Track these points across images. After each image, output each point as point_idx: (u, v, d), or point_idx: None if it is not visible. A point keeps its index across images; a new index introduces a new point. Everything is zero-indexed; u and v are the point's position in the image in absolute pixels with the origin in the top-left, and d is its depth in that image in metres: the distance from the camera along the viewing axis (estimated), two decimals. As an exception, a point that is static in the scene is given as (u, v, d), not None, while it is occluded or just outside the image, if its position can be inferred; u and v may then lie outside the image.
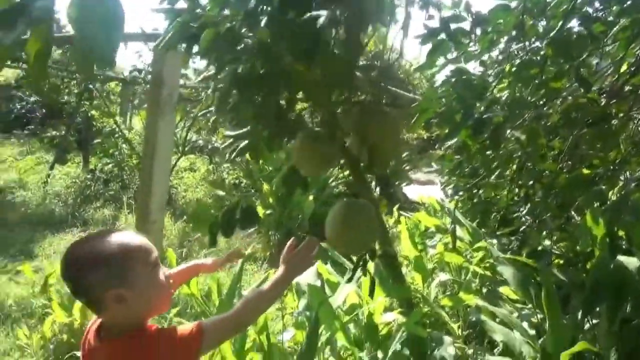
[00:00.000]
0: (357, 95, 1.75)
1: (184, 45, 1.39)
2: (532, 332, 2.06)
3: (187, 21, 1.30)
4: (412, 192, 6.29)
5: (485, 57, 2.26)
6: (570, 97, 2.04)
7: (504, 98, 1.98)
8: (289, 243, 1.40)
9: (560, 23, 1.73)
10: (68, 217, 6.14)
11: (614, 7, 1.91)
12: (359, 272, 2.40)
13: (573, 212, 2.44)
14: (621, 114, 2.05)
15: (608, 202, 2.30)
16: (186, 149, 7.54)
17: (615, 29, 1.82)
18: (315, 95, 1.45)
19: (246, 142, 1.56)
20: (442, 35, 1.67)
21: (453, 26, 1.61)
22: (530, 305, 2.25)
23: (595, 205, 2.20)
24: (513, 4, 1.91)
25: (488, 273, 2.70)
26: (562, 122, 2.05)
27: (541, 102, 2.06)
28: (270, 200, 5.53)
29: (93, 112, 8.16)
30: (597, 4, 2.00)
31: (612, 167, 2.17)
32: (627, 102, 2.05)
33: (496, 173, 2.53)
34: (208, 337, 1.16)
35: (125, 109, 9.76)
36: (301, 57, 1.22)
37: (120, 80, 7.19)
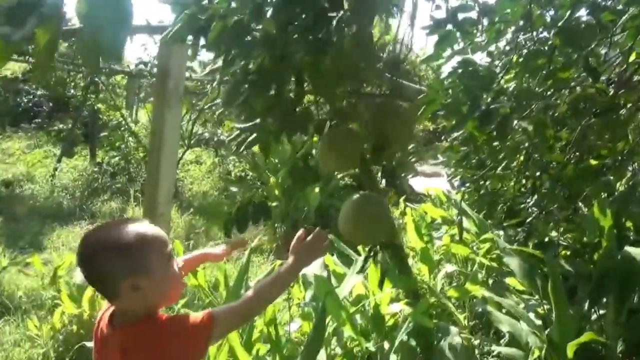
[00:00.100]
0: (363, 87, 1.76)
1: (190, 37, 1.39)
2: (539, 322, 2.06)
3: (194, 14, 1.30)
4: (418, 184, 6.28)
5: (492, 48, 2.24)
6: (578, 88, 2.03)
7: (511, 89, 1.97)
8: (298, 234, 1.41)
9: (568, 12, 1.71)
10: (76, 209, 6.19)
11: (623, -4, 1.89)
12: (361, 263, 2.42)
13: (580, 203, 2.43)
14: (629, 104, 2.03)
15: (616, 193, 2.29)
16: (192, 141, 7.55)
17: (624, 17, 1.80)
18: (324, 88, 1.46)
19: (255, 135, 1.57)
20: (449, 26, 1.66)
21: (461, 16, 1.60)
22: (536, 296, 2.25)
23: (603, 196, 2.20)
24: (520, -6, 1.89)
25: (494, 264, 2.70)
26: (570, 113, 2.04)
27: (549, 93, 2.05)
28: (276, 192, 5.54)
29: (99, 105, 8.19)
30: (605, -7, 1.99)
31: (620, 158, 2.16)
32: (636, 92, 2.04)
33: (503, 164, 2.52)
34: (218, 326, 1.18)
35: (131, 102, 9.77)
36: (312, 50, 1.22)
37: (126, 73, 7.19)
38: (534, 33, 1.95)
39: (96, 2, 0.84)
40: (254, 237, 5.09)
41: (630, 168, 2.29)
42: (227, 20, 1.26)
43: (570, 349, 1.74)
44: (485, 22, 1.82)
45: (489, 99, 1.66)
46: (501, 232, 2.82)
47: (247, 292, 1.29)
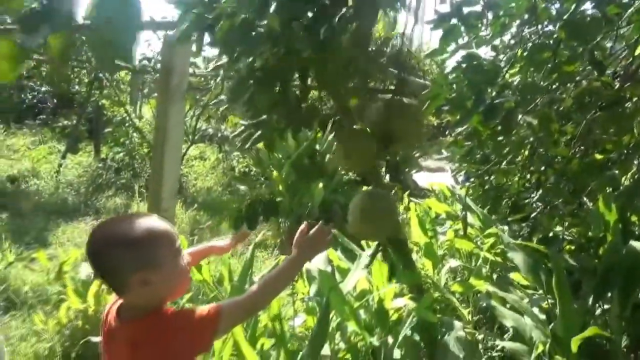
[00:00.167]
0: (368, 82, 1.76)
1: (195, 35, 1.40)
2: (543, 317, 2.06)
3: (201, 13, 1.31)
4: (422, 179, 6.27)
5: (497, 42, 2.23)
6: (584, 82, 2.02)
7: (515, 83, 1.96)
8: (301, 227, 1.42)
9: (573, 5, 1.70)
10: (81, 205, 6.22)
11: (629, -11, 1.87)
12: (368, 259, 2.42)
13: (585, 198, 2.42)
14: (635, 98, 2.02)
15: (621, 187, 2.28)
16: (196, 137, 7.56)
17: (630, 10, 1.78)
18: (329, 84, 1.47)
19: (260, 132, 1.58)
20: (454, 20, 1.65)
21: (466, 10, 1.59)
22: (540, 291, 2.24)
23: (608, 190, 2.18)
24: (525, -13, 1.88)
25: (498, 259, 2.69)
26: (575, 107, 2.03)
27: (554, 87, 2.04)
28: (280, 187, 5.54)
29: (103, 101, 8.20)
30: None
31: (625, 152, 2.15)
32: (642, 85, 2.02)
33: (508, 159, 2.51)
34: (225, 319, 1.19)
35: (135, 98, 9.78)
36: (315, 46, 1.23)
37: (129, 69, 7.20)
38: (539, 26, 1.94)
39: (106, 5, 0.85)
40: (258, 232, 5.10)
41: (635, 162, 2.28)
42: (234, 19, 1.27)
43: (575, 343, 1.74)
44: (490, 15, 1.81)
45: (494, 94, 1.66)
46: (505, 227, 2.81)
47: (252, 287, 1.30)
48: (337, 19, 1.28)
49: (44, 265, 3.81)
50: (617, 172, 2.18)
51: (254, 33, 1.30)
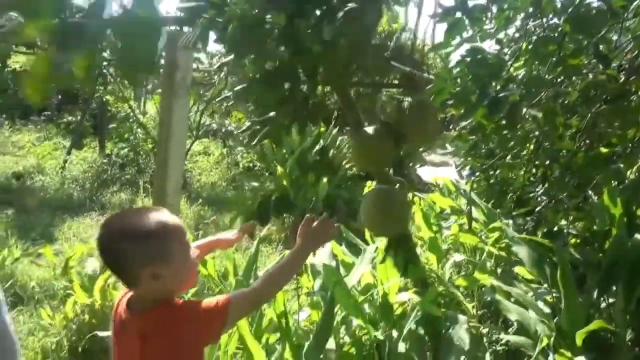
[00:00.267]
0: (369, 77, 1.76)
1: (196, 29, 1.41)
2: (548, 311, 2.06)
3: (213, 17, 1.32)
4: (426, 173, 6.26)
5: (501, 35, 2.22)
6: (590, 75, 2.01)
7: (520, 76, 1.95)
8: (305, 218, 1.43)
9: (578, -2, 1.69)
10: (86, 201, 6.25)
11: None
12: (372, 253, 2.43)
13: (590, 191, 2.41)
14: (641, 91, 2.01)
15: (626, 181, 2.27)
16: (200, 132, 7.58)
17: (635, 3, 1.77)
18: (333, 78, 1.47)
19: (267, 128, 1.59)
20: (459, 14, 1.65)
21: (470, 3, 1.59)
22: (545, 285, 2.24)
23: (613, 184, 2.18)
24: (530, -20, 1.87)
25: (503, 253, 2.69)
26: (580, 100, 2.02)
27: (559, 80, 2.03)
28: (284, 182, 5.54)
29: (108, 97, 8.22)
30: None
31: (630, 145, 2.14)
32: (647, 78, 2.01)
33: (512, 153, 2.50)
34: (233, 310, 1.20)
35: (139, 94, 9.80)
36: (323, 42, 1.24)
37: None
38: (544, 19, 1.93)
39: (129, 21, 0.88)
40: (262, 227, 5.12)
41: (641, 155, 2.27)
42: (244, 20, 1.28)
43: (579, 337, 1.74)
44: (494, 9, 1.81)
45: (498, 87, 1.65)
46: (510, 222, 2.81)
47: (259, 278, 1.32)
48: (342, 14, 1.28)
49: (50, 260, 3.84)
50: (622, 165, 2.17)
51: (262, 32, 1.31)
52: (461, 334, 2.00)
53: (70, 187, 6.74)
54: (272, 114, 1.55)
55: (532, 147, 2.51)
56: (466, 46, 1.83)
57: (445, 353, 1.96)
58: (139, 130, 7.79)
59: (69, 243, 4.64)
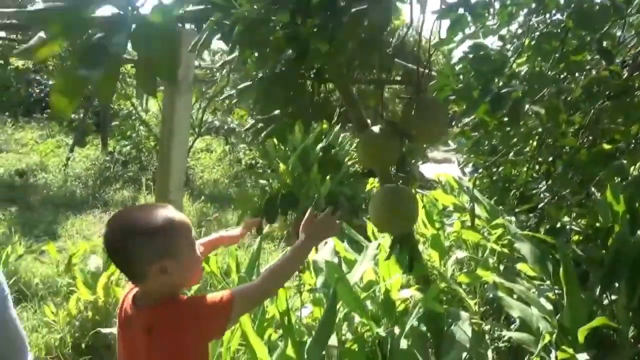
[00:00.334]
0: (373, 74, 1.76)
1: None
2: (550, 308, 2.06)
3: (219, 19, 1.33)
4: (428, 170, 6.25)
5: (504, 32, 2.21)
6: (593, 71, 2.00)
7: (523, 72, 1.94)
8: (307, 213, 1.43)
9: (582, -6, 1.68)
10: (89, 198, 6.27)
11: (639, -24, 1.85)
12: (374, 250, 2.43)
13: (593, 188, 2.41)
14: (644, 87, 2.00)
15: (629, 177, 2.26)
16: (202, 130, 7.58)
17: (639, -2, 1.76)
18: (336, 76, 1.47)
19: (272, 126, 1.60)
20: (461, 10, 1.64)
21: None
22: (548, 282, 2.24)
23: (616, 180, 2.17)
24: (533, -24, 1.86)
25: (505, 250, 2.69)
26: (584, 97, 2.01)
27: (562, 76, 2.02)
28: (287, 179, 5.55)
29: (110, 94, 8.22)
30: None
31: (633, 142, 2.13)
32: (651, 74, 2.00)
33: (515, 149, 2.49)
34: (237, 305, 1.21)
35: (141, 91, 9.80)
36: (325, 38, 1.24)
37: (134, 61, 7.21)
38: (547, 15, 1.93)
39: (149, 35, 0.90)
40: (265, 224, 5.12)
41: (644, 152, 2.26)
42: (250, 22, 1.28)
43: (582, 334, 1.74)
44: (497, 5, 1.80)
45: (501, 83, 1.65)
46: (512, 218, 2.80)
47: (263, 272, 1.32)
48: (350, 14, 1.28)
49: (54, 257, 3.85)
50: (625, 162, 2.16)
51: (268, 32, 1.32)
52: (463, 331, 2.00)
53: (73, 184, 6.76)
54: (276, 112, 1.56)
55: (534, 143, 2.50)
56: (469, 42, 1.82)
57: (447, 350, 1.96)
58: (141, 127, 7.80)
59: (72, 240, 4.65)
